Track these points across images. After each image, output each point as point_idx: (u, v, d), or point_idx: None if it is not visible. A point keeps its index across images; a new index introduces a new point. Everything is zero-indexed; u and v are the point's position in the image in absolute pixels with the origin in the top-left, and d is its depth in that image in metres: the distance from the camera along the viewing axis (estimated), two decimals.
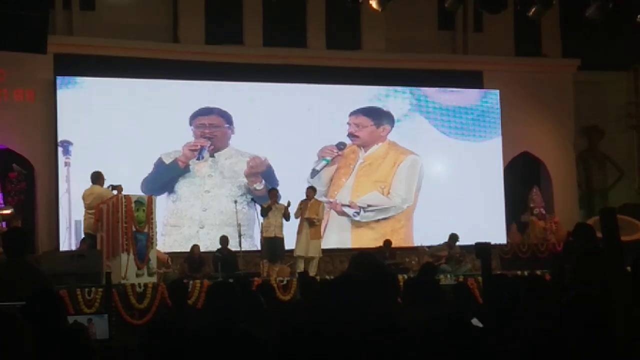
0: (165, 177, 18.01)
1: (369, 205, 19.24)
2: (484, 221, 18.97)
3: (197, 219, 18.16)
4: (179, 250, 16.88)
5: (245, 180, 18.54)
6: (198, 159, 18.29)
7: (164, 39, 18.89)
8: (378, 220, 19.31)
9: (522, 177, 20.89)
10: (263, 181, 18.57)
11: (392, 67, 19.85)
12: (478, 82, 20.74)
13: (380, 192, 19.40)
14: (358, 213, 19.17)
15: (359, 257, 5.52)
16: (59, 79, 17.49)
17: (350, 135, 19.40)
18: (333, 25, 19.95)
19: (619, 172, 22.32)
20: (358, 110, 19.49)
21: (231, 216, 17.42)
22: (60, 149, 17.33)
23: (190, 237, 17.57)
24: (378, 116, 19.66)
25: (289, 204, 15.70)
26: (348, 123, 19.37)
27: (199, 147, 18.33)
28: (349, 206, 19.11)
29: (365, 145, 19.50)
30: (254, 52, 19.10)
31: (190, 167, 18.26)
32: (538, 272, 12.20)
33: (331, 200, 18.84)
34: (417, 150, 19.73)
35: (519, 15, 19.30)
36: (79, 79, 17.66)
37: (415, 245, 18.62)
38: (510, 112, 20.48)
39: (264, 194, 17.36)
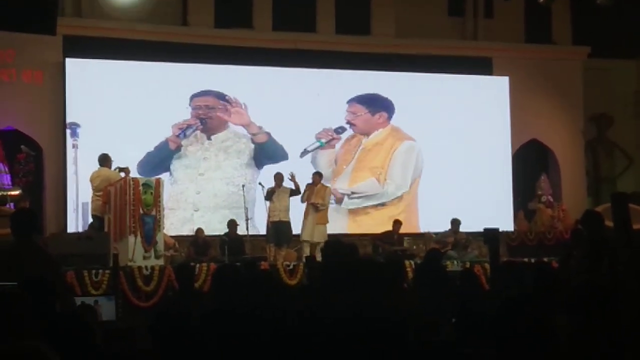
0: (156, 157, 17.81)
1: (353, 193, 19.11)
2: (491, 208, 18.88)
3: (192, 202, 18.07)
4: (174, 234, 16.65)
5: (241, 161, 18.41)
6: (178, 135, 18.00)
7: (173, 22, 18.84)
8: (376, 206, 19.17)
9: (530, 164, 20.83)
10: (262, 127, 18.48)
11: (401, 53, 19.78)
12: (488, 69, 20.65)
13: (377, 179, 19.28)
14: (341, 200, 18.97)
15: (334, 246, 5.44)
16: (68, 61, 17.47)
17: (349, 123, 19.31)
18: (343, 10, 19.88)
19: (628, 160, 22.22)
20: (353, 98, 19.34)
21: (225, 199, 17.61)
22: (68, 131, 17.30)
23: (185, 220, 17.58)
24: (373, 103, 19.48)
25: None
26: (347, 111, 19.32)
27: (185, 125, 18.18)
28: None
29: (365, 133, 19.41)
30: (263, 36, 19.04)
31: (182, 148, 18.12)
32: (545, 260, 12.16)
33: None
34: (423, 137, 19.60)
35: (530, 1, 19.27)
36: (87, 61, 17.63)
37: (421, 231, 18.57)
38: (520, 99, 20.40)
39: (266, 139, 18.13)
